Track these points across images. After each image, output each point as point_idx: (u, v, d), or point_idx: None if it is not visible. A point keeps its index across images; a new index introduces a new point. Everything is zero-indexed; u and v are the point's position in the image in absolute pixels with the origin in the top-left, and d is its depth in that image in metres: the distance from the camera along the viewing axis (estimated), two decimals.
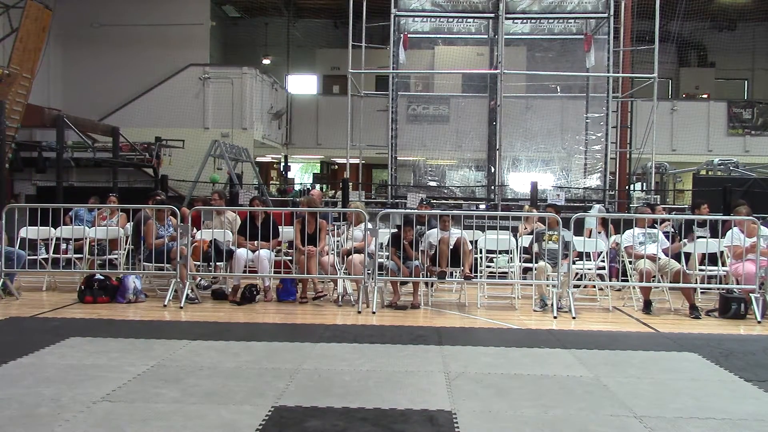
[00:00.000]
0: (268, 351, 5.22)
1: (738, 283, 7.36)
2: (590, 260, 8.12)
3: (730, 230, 7.68)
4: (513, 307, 7.63)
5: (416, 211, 8.55)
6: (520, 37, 15.08)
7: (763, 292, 7.09)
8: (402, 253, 7.59)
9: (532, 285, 7.87)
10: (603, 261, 8.10)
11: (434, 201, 13.34)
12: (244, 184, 14.73)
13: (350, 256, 7.69)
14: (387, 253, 7.60)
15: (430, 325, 6.58)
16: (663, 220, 8.56)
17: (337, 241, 8.41)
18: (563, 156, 14.63)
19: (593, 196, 13.59)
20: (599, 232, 8.83)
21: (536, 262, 7.57)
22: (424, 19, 14.78)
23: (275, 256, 7.96)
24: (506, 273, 8.24)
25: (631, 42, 15.17)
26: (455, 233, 7.84)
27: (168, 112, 17.66)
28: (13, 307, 7.10)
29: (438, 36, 15.43)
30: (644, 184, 19.21)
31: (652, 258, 7.54)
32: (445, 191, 14.83)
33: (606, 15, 13.51)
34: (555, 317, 7.00)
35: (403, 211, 10.33)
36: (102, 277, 7.53)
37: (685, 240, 7.88)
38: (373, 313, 7.04)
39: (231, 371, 4.58)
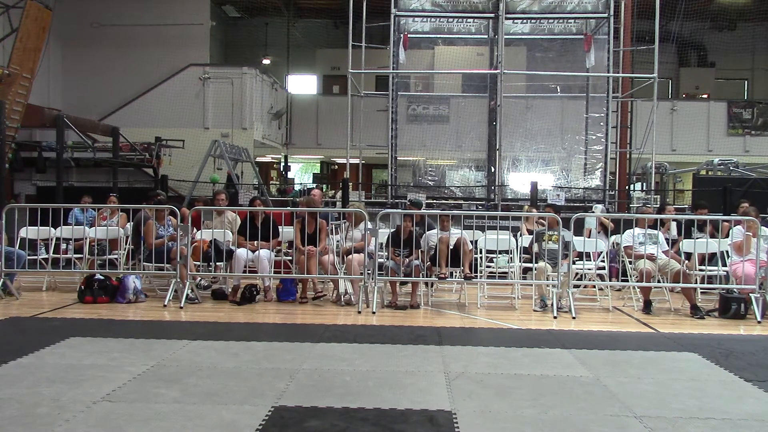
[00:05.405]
0: (268, 351, 5.22)
1: (738, 283, 7.36)
2: (590, 260, 8.13)
3: (731, 229, 7.68)
4: (513, 307, 7.63)
5: (416, 211, 8.53)
6: (520, 37, 15.06)
7: (763, 292, 7.09)
8: (401, 251, 7.57)
9: (532, 285, 7.87)
10: (603, 261, 8.10)
11: (434, 201, 13.34)
12: (244, 184, 14.72)
13: (350, 256, 7.68)
14: (386, 253, 7.60)
15: (430, 325, 6.58)
16: (664, 222, 8.56)
17: (337, 241, 8.41)
18: (563, 156, 14.62)
19: (593, 196, 13.58)
20: (599, 232, 8.83)
21: (536, 262, 7.57)
22: (424, 19, 14.75)
23: (275, 256, 7.96)
24: (506, 273, 8.24)
25: (631, 42, 15.16)
26: (455, 233, 7.83)
27: (168, 112, 17.66)
28: (13, 307, 7.09)
29: (438, 36, 15.40)
30: (644, 184, 19.20)
31: (652, 258, 7.54)
32: (445, 191, 14.82)
33: (606, 15, 13.50)
34: (555, 317, 7.01)
35: (403, 211, 10.31)
36: (102, 277, 7.53)
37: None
38: (373, 313, 7.04)
39: (231, 371, 4.58)
